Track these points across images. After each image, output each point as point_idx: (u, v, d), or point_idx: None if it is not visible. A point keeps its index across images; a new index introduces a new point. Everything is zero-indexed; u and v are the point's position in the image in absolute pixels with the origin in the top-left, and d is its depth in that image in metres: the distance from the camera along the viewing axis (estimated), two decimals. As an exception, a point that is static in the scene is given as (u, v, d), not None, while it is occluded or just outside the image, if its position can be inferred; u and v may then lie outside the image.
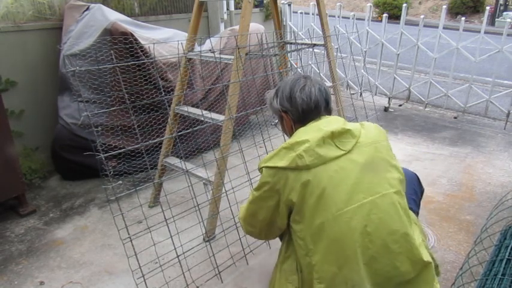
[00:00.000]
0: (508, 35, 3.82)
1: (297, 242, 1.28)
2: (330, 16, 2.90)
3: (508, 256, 1.71)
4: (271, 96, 1.47)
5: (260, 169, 1.32)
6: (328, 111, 1.40)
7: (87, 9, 3.04)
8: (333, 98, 2.67)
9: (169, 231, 1.81)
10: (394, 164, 1.32)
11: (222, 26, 4.32)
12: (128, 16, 3.28)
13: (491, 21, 11.96)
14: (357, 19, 4.29)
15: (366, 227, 1.20)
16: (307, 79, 1.39)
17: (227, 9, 4.35)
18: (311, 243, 1.23)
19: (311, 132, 1.27)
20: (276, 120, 3.95)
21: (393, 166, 1.31)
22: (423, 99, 4.42)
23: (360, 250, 1.19)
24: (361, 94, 4.63)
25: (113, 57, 2.46)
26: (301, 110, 1.36)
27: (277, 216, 1.32)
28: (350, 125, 1.31)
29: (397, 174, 1.30)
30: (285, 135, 1.54)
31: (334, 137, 1.25)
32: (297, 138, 1.26)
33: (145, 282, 1.72)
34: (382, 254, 1.21)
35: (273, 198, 1.28)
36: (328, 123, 1.30)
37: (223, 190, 2.12)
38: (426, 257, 1.26)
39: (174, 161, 2.44)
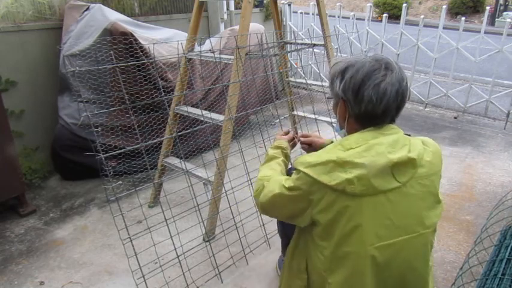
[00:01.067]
0: (508, 35, 3.82)
1: (316, 253, 1.18)
2: (330, 16, 2.90)
3: (508, 256, 1.71)
4: (335, 71, 1.19)
5: (296, 169, 1.15)
6: (394, 120, 1.18)
7: (87, 9, 3.04)
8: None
9: (169, 231, 1.81)
10: (440, 199, 1.18)
11: (222, 26, 4.31)
12: (128, 16, 3.28)
13: (491, 21, 11.96)
14: (357, 19, 4.29)
15: (391, 264, 1.12)
16: (387, 71, 1.11)
17: (227, 9, 4.35)
18: (332, 264, 1.15)
19: (371, 155, 1.07)
20: (281, 117, 3.95)
21: (439, 202, 1.18)
22: (423, 99, 4.42)
23: (378, 285, 1.13)
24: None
25: (113, 57, 2.46)
26: (363, 110, 1.12)
27: (299, 217, 1.18)
28: (414, 152, 1.11)
29: (440, 210, 1.18)
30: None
31: (395, 167, 1.08)
32: (351, 156, 1.07)
33: (145, 283, 1.72)
34: None
35: (302, 204, 1.15)
36: (393, 147, 1.10)
37: (223, 190, 2.12)
38: None
39: (174, 161, 2.44)
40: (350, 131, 1.20)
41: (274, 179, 1.29)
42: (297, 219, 1.20)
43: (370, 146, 1.09)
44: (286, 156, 1.52)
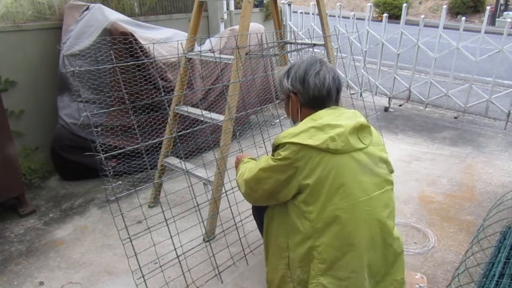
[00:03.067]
0: (509, 34, 3.81)
1: (300, 221, 1.29)
2: (330, 16, 2.89)
3: (508, 256, 1.70)
4: (281, 74, 1.45)
5: (279, 144, 1.30)
6: (337, 102, 1.42)
7: (87, 9, 3.04)
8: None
9: (169, 231, 1.80)
10: (389, 161, 1.41)
11: (222, 26, 4.31)
12: (128, 16, 3.27)
13: (492, 21, 11.94)
14: (357, 19, 4.28)
15: (374, 218, 1.28)
16: (322, 64, 1.39)
17: (227, 9, 4.35)
18: (321, 225, 1.26)
19: (342, 118, 1.29)
20: (281, 117, 3.94)
21: (389, 164, 1.41)
22: (423, 99, 4.41)
23: (366, 240, 1.27)
24: (361, 94, 4.63)
25: (113, 57, 2.46)
26: (312, 95, 1.36)
27: (283, 189, 1.31)
28: (366, 121, 1.36)
29: (392, 173, 1.41)
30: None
31: (359, 130, 1.30)
32: (328, 120, 1.27)
33: (145, 283, 1.72)
34: (380, 246, 1.31)
35: (287, 173, 1.28)
36: (355, 115, 1.34)
37: (223, 190, 2.12)
38: (400, 248, 1.39)
39: (173, 161, 2.44)
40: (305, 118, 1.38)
41: (255, 162, 1.47)
42: (282, 192, 1.32)
43: (340, 114, 1.33)
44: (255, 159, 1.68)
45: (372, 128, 1.39)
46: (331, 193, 1.24)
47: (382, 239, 1.32)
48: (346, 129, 1.25)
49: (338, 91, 1.40)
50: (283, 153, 1.27)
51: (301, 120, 1.38)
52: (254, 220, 1.86)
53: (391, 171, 1.41)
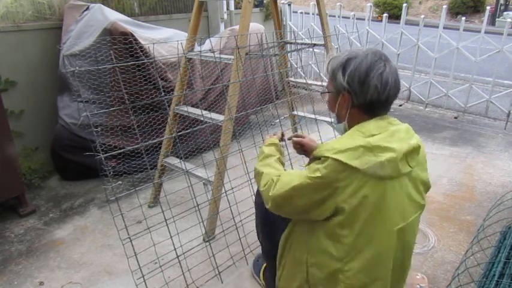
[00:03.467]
0: (509, 34, 3.81)
1: (333, 243, 1.19)
2: (330, 16, 2.90)
3: (508, 256, 1.70)
4: (336, 64, 1.24)
5: (322, 157, 1.15)
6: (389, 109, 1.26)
7: (87, 9, 3.04)
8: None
9: (169, 231, 1.80)
10: (429, 183, 1.33)
11: (222, 26, 4.31)
12: (128, 16, 3.27)
13: (492, 21, 11.94)
14: (357, 19, 4.29)
15: (403, 245, 1.23)
16: (386, 63, 1.19)
17: (227, 9, 4.34)
18: (354, 251, 1.17)
19: (395, 141, 1.15)
20: (281, 117, 3.94)
21: (428, 186, 1.32)
22: (423, 99, 4.41)
23: (393, 267, 1.22)
24: (361, 94, 4.62)
25: (113, 57, 2.46)
26: (369, 99, 1.18)
27: (316, 210, 1.18)
28: (418, 140, 1.24)
29: (425, 195, 1.32)
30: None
31: (409, 152, 1.18)
32: (379, 141, 1.13)
33: (145, 283, 1.72)
34: (400, 269, 1.28)
35: (324, 193, 1.14)
36: (409, 134, 1.21)
37: (223, 190, 2.12)
38: (411, 264, 1.35)
39: (173, 161, 2.44)
40: (352, 122, 1.24)
41: (287, 173, 1.27)
42: (314, 212, 1.19)
43: (393, 132, 1.17)
44: (281, 153, 1.53)
45: (421, 143, 1.26)
46: (370, 219, 1.14)
47: (403, 264, 1.28)
48: (398, 156, 1.13)
49: (395, 96, 1.23)
50: (323, 170, 1.12)
51: (347, 122, 1.26)
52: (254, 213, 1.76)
53: (428, 189, 1.33)
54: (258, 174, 1.39)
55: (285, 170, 1.41)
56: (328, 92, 1.30)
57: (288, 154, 1.97)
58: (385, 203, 1.13)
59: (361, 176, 1.10)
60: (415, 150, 1.20)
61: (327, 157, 1.12)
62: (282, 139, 1.63)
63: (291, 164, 2.39)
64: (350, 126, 1.24)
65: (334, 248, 1.19)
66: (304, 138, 1.64)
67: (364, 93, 1.18)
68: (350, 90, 1.20)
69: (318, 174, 1.13)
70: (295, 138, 1.64)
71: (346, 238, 1.16)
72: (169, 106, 2.49)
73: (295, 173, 1.23)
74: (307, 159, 1.45)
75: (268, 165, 1.40)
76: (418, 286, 1.55)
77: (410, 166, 1.19)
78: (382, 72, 1.17)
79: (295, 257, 1.33)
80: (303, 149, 1.64)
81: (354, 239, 1.16)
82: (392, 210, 1.15)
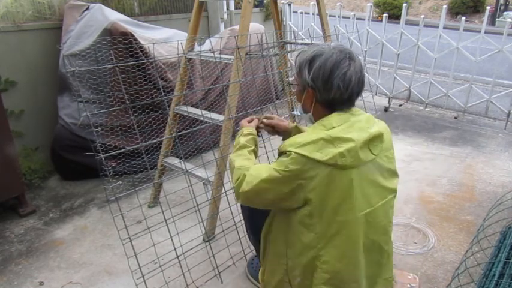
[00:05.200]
0: (509, 34, 3.81)
1: (304, 232, 1.24)
2: (330, 16, 2.90)
3: (508, 256, 1.70)
4: (302, 60, 1.28)
5: (285, 152, 1.20)
6: (354, 103, 1.31)
7: (87, 9, 3.04)
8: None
9: (169, 231, 1.80)
10: (396, 171, 1.37)
11: (222, 26, 4.31)
12: (128, 16, 3.27)
13: (492, 21, 11.94)
14: (357, 19, 4.28)
15: (375, 229, 1.28)
16: (351, 62, 1.23)
17: (227, 9, 4.34)
18: (325, 237, 1.23)
19: (355, 131, 1.20)
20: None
21: (395, 173, 1.36)
22: (423, 99, 4.41)
23: (364, 249, 1.27)
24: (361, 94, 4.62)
25: (113, 57, 2.46)
26: (332, 97, 1.24)
27: (287, 201, 1.23)
28: (381, 127, 1.29)
29: (397, 181, 1.37)
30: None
31: (371, 140, 1.23)
32: (339, 133, 1.18)
33: (145, 283, 1.72)
34: (377, 252, 1.32)
35: (291, 185, 1.19)
36: (369, 123, 1.25)
37: (223, 190, 2.12)
38: (392, 249, 1.41)
39: (173, 161, 2.44)
40: (316, 115, 1.30)
41: (256, 167, 1.32)
42: (285, 203, 1.25)
43: (352, 123, 1.22)
44: (256, 144, 1.56)
45: (385, 131, 1.30)
46: (336, 207, 1.19)
47: (379, 247, 1.32)
48: (357, 144, 1.17)
49: (359, 95, 1.28)
50: (288, 164, 1.17)
51: (313, 114, 1.31)
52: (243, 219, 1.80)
53: (397, 175, 1.37)
54: (231, 167, 1.43)
55: (258, 162, 1.45)
56: (295, 85, 1.36)
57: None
58: (350, 190, 1.19)
59: (324, 167, 1.16)
60: (376, 138, 1.24)
61: (291, 151, 1.18)
62: (258, 127, 1.66)
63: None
64: (315, 118, 1.31)
65: (307, 236, 1.24)
66: (273, 119, 1.68)
67: (327, 92, 1.23)
68: (314, 87, 1.25)
69: (284, 167, 1.18)
70: (265, 120, 1.67)
71: (317, 226, 1.22)
72: (169, 106, 2.49)
73: (264, 166, 1.28)
74: None
75: (241, 156, 1.43)
76: (409, 286, 1.56)
77: (373, 154, 1.23)
78: (346, 72, 1.21)
79: (275, 251, 1.38)
80: (275, 130, 1.68)
81: (323, 227, 1.22)
82: (358, 197, 1.20)
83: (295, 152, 1.17)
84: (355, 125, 1.22)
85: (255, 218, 1.55)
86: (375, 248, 1.31)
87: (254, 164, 1.39)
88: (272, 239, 1.40)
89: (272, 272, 1.42)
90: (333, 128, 1.20)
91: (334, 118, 1.23)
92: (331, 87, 1.22)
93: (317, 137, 1.18)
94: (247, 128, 1.58)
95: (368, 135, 1.21)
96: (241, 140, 1.52)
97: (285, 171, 1.18)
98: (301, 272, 1.30)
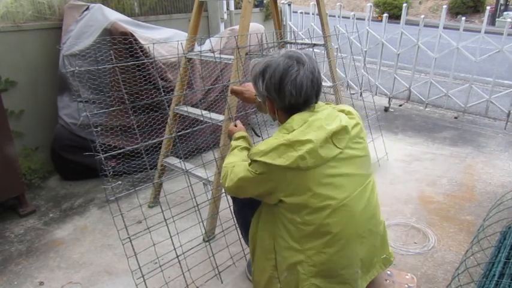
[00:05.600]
0: (509, 34, 3.81)
1: (287, 225, 1.29)
2: (330, 16, 2.90)
3: (508, 256, 1.70)
4: (256, 72, 1.33)
5: (252, 160, 1.27)
6: (317, 101, 1.34)
7: (87, 9, 3.04)
8: (332, 98, 2.65)
9: (168, 231, 1.80)
10: (368, 154, 1.39)
11: (222, 26, 4.31)
12: (128, 16, 3.27)
13: (492, 21, 11.94)
14: (357, 19, 4.28)
15: (358, 215, 1.30)
16: (300, 66, 1.25)
17: (227, 9, 4.35)
18: (306, 231, 1.26)
19: (313, 130, 1.23)
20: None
21: (368, 156, 1.39)
22: (423, 99, 4.41)
23: (354, 238, 1.30)
24: (361, 94, 4.63)
25: (113, 57, 2.46)
26: (288, 103, 1.28)
27: (266, 197, 1.32)
28: (344, 120, 1.30)
29: (370, 162, 1.40)
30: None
31: (334, 135, 1.25)
32: (297, 136, 1.22)
33: (145, 283, 1.72)
34: (368, 237, 1.34)
35: (266, 187, 1.27)
36: (328, 120, 1.27)
37: (223, 190, 2.12)
38: (384, 230, 1.45)
39: (173, 161, 2.44)
40: (281, 120, 1.35)
41: (238, 164, 1.38)
42: (264, 199, 1.35)
43: (310, 123, 1.24)
44: (248, 141, 1.61)
45: (349, 122, 1.32)
46: (311, 204, 1.23)
47: (369, 231, 1.34)
48: (316, 145, 1.20)
49: (317, 95, 1.31)
50: (257, 168, 1.26)
51: (279, 121, 1.36)
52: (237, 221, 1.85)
53: (370, 159, 1.40)
54: (222, 177, 1.50)
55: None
56: (258, 95, 1.41)
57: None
58: (319, 188, 1.22)
59: (288, 170, 1.21)
60: (339, 132, 1.26)
61: (256, 160, 1.25)
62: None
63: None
64: (282, 123, 1.34)
65: (288, 231, 1.29)
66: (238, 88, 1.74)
67: (282, 99, 1.28)
68: (270, 97, 1.31)
69: (254, 170, 1.27)
70: (233, 87, 1.74)
71: (296, 220, 1.26)
72: (169, 106, 2.49)
73: (244, 165, 1.33)
74: None
75: (231, 155, 1.50)
76: (406, 286, 1.56)
77: (338, 147, 1.26)
78: (296, 77, 1.24)
79: (263, 246, 1.40)
80: (243, 96, 1.71)
81: (302, 221, 1.25)
82: (329, 192, 1.23)
83: (260, 161, 1.24)
84: (313, 124, 1.24)
85: (249, 224, 1.56)
86: (366, 233, 1.33)
87: (242, 159, 1.44)
88: (259, 236, 1.43)
89: (261, 270, 1.43)
90: (294, 130, 1.24)
91: (295, 120, 1.27)
92: (284, 94, 1.26)
93: (278, 143, 1.22)
94: (238, 132, 1.64)
95: (327, 133, 1.23)
96: (233, 143, 1.60)
97: (256, 174, 1.26)
98: (287, 266, 1.32)
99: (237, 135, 1.62)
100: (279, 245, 1.33)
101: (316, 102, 1.33)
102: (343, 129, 1.27)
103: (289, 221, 1.28)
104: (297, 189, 1.23)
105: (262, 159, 1.23)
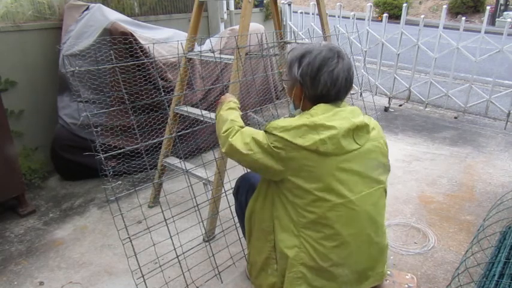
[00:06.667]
0: (509, 34, 3.81)
1: (287, 208, 1.28)
2: (330, 16, 2.90)
3: (508, 256, 1.70)
4: (293, 56, 1.33)
5: (270, 133, 1.24)
6: (343, 99, 1.35)
7: (87, 9, 3.04)
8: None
9: (168, 231, 1.80)
10: (388, 166, 1.38)
11: (222, 26, 4.31)
12: (128, 16, 3.27)
13: (492, 21, 11.94)
14: (357, 19, 4.29)
15: (361, 217, 1.28)
16: (339, 59, 1.27)
17: (227, 9, 4.35)
18: (306, 219, 1.25)
19: (338, 119, 1.23)
20: (281, 117, 3.94)
21: (386, 168, 1.37)
22: (423, 99, 4.41)
23: (351, 239, 1.28)
24: (361, 94, 4.63)
25: (113, 57, 2.46)
26: (319, 93, 1.28)
27: (271, 171, 1.27)
28: (366, 119, 1.30)
29: (387, 175, 1.38)
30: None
31: (355, 130, 1.25)
32: (322, 120, 1.21)
33: (145, 283, 1.72)
34: (366, 243, 1.32)
35: (277, 161, 1.23)
36: (353, 114, 1.27)
37: (223, 190, 2.12)
38: (385, 244, 1.41)
39: (173, 161, 2.44)
40: (306, 109, 1.32)
41: (251, 128, 1.36)
42: (269, 173, 1.29)
43: (336, 112, 1.25)
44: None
45: (373, 123, 1.34)
46: (317, 193, 1.22)
47: (368, 236, 1.32)
48: (340, 132, 1.20)
49: (347, 92, 1.32)
50: (273, 141, 1.23)
51: (302, 110, 1.35)
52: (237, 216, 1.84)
53: (387, 169, 1.38)
54: (222, 121, 1.46)
55: None
56: (287, 80, 1.39)
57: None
58: (330, 178, 1.21)
59: (305, 152, 1.19)
60: (360, 128, 1.26)
61: (275, 134, 1.22)
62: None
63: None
64: (303, 111, 1.33)
65: (287, 213, 1.28)
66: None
67: (314, 88, 1.27)
68: (302, 83, 1.29)
69: (270, 142, 1.23)
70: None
71: (298, 204, 1.25)
72: (169, 106, 2.49)
73: (258, 131, 1.32)
74: None
75: (234, 115, 1.48)
76: (406, 286, 1.56)
77: (357, 143, 1.25)
78: (334, 69, 1.25)
79: (263, 229, 1.39)
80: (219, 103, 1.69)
81: (304, 207, 1.24)
82: (338, 185, 1.22)
83: (279, 136, 1.21)
84: (339, 114, 1.25)
85: None
86: (363, 237, 1.31)
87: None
88: (258, 217, 1.41)
89: (259, 250, 1.42)
90: (318, 115, 1.24)
91: (321, 108, 1.27)
92: (318, 83, 1.26)
93: (300, 123, 1.21)
94: (227, 103, 1.60)
95: (351, 124, 1.23)
96: (231, 105, 1.57)
97: (269, 145, 1.23)
98: (280, 249, 1.32)
99: (226, 106, 1.59)
100: (277, 225, 1.32)
101: (343, 100, 1.34)
102: (365, 127, 1.28)
103: (290, 202, 1.27)
104: (308, 174, 1.21)
105: (282, 134, 1.21)
